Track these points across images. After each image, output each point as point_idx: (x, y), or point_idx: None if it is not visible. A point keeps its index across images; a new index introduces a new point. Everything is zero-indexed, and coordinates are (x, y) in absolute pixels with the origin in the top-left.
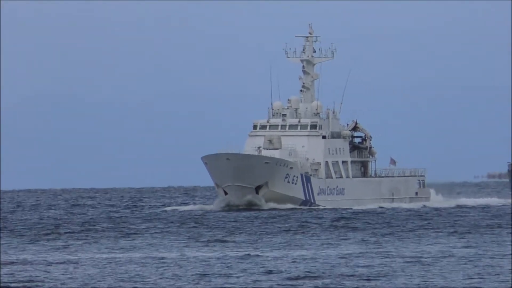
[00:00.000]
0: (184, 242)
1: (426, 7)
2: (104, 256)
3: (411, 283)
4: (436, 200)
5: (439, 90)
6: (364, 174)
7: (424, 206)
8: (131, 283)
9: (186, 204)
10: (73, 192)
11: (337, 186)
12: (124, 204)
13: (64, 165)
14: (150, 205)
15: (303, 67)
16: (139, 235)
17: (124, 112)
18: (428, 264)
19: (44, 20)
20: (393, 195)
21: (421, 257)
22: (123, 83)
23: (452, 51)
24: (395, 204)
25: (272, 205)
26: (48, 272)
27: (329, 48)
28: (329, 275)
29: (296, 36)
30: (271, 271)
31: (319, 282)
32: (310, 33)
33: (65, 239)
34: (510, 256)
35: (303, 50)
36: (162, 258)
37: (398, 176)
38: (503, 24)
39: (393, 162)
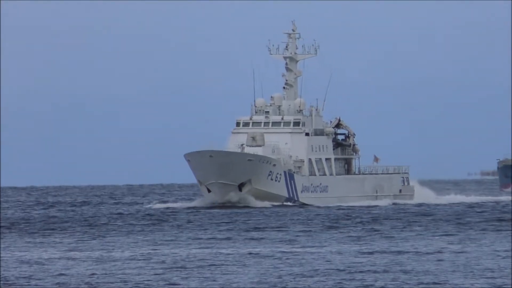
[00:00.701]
0: (179, 240)
1: (414, 7)
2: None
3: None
4: (422, 197)
5: (428, 88)
6: (348, 171)
7: (423, 203)
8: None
9: (173, 201)
10: (63, 189)
11: (320, 184)
12: (112, 201)
13: (54, 163)
14: (137, 202)
15: (286, 64)
16: (127, 233)
17: (107, 109)
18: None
19: (44, 20)
20: (377, 192)
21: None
22: (109, 81)
23: (442, 49)
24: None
25: (255, 202)
26: (46, 269)
27: (312, 45)
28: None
29: (283, 33)
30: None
31: (314, 279)
32: (293, 30)
33: (62, 235)
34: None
35: (286, 47)
36: (148, 254)
37: (381, 174)
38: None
39: (376, 159)
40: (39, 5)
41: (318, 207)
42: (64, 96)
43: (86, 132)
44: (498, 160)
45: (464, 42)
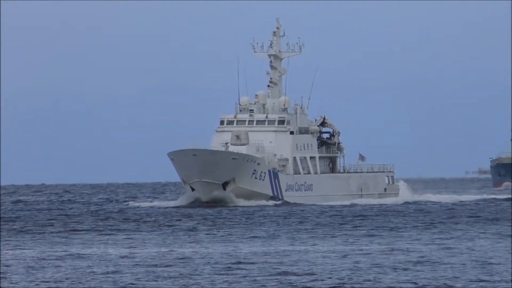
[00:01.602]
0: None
1: (402, 6)
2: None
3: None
4: (406, 196)
5: (419, 87)
6: (333, 170)
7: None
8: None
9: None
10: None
11: (305, 182)
12: (97, 200)
13: (52, 161)
14: (121, 201)
15: (271, 62)
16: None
17: (91, 107)
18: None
19: (44, 20)
20: (361, 191)
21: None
22: (95, 79)
23: (436, 49)
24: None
25: (240, 201)
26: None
27: (297, 43)
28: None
29: (269, 31)
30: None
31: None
32: (277, 28)
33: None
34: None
35: (271, 45)
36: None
37: (367, 172)
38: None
39: (362, 158)
40: (39, 5)
41: (308, 204)
42: (64, 95)
43: (83, 132)
44: (491, 159)
45: (462, 42)
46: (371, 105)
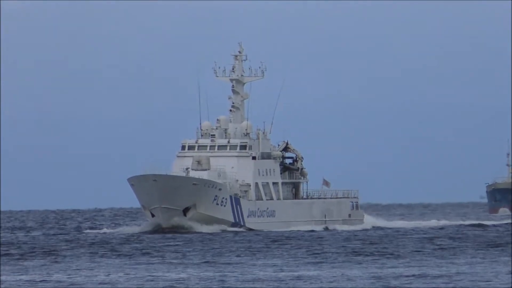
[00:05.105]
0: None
1: (359, 28)
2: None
3: None
4: (370, 223)
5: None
6: (296, 195)
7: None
8: None
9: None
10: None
11: (267, 208)
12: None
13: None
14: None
15: (233, 86)
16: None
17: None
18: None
19: (44, 19)
20: (325, 217)
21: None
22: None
23: (393, 70)
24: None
25: (200, 227)
26: None
27: (259, 68)
28: None
29: (231, 55)
30: None
31: None
32: (239, 52)
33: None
34: None
35: (233, 69)
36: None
37: (330, 198)
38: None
39: (326, 183)
40: (40, 5)
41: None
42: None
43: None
44: (487, 184)
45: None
46: (335, 130)
